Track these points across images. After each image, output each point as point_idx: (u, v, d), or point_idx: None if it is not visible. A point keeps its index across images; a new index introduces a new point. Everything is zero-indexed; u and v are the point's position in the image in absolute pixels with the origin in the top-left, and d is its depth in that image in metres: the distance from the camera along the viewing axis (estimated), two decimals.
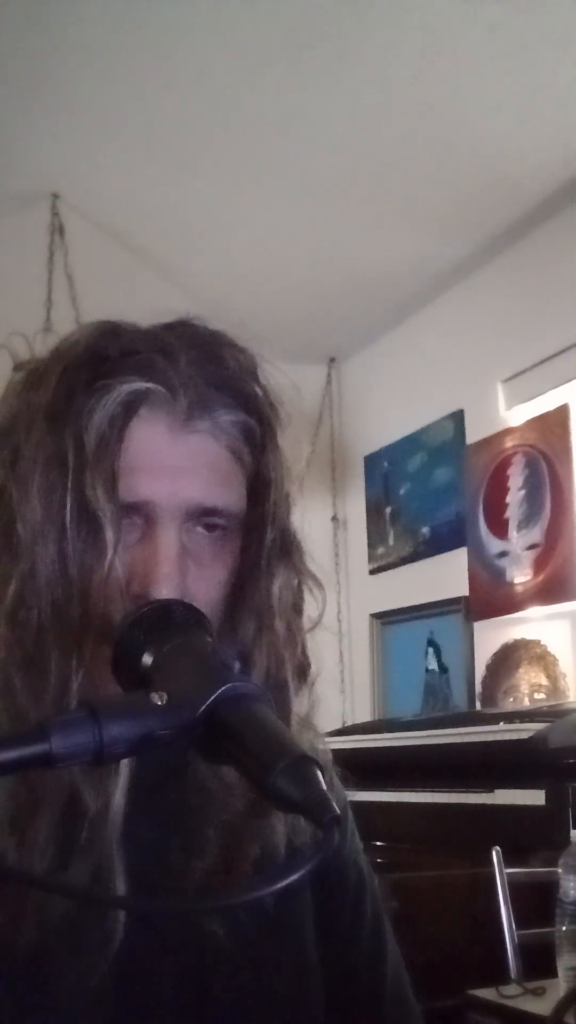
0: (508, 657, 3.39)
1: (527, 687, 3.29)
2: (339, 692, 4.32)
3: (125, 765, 0.79)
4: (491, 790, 2.42)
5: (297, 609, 0.86)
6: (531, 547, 3.30)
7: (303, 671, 0.85)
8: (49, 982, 0.76)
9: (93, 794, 0.77)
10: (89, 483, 0.76)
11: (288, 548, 0.85)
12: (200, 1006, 0.81)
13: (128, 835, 0.78)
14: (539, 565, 3.26)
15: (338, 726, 3.89)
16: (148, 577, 0.77)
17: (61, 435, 0.78)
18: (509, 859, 1.89)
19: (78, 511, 0.76)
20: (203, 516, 0.80)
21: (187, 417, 0.80)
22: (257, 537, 0.83)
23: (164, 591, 0.77)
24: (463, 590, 3.63)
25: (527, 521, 3.33)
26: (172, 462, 0.79)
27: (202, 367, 0.81)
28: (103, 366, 0.79)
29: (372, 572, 4.26)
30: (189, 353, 0.81)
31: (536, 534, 3.28)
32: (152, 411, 0.79)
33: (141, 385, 0.79)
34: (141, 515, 0.79)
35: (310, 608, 0.87)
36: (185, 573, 0.79)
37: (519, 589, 3.34)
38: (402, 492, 4.11)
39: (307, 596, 0.87)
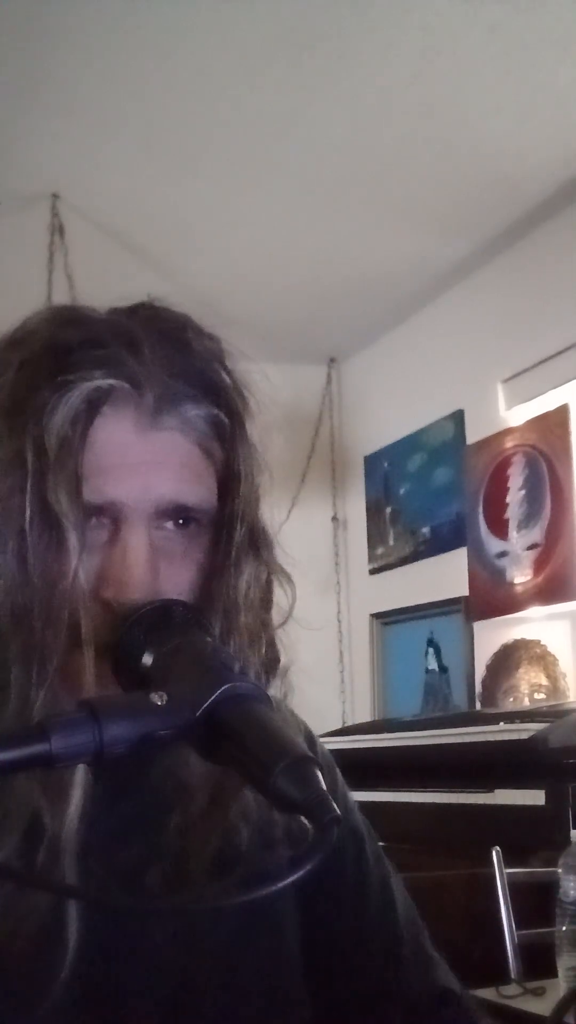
0: (508, 657, 3.39)
1: (527, 687, 3.29)
2: (339, 692, 4.32)
3: (79, 785, 0.76)
4: (491, 790, 2.42)
5: (266, 604, 0.84)
6: (531, 547, 3.30)
7: (272, 665, 0.84)
8: (11, 990, 0.76)
9: (50, 814, 0.75)
10: (51, 486, 0.73)
11: (256, 543, 0.83)
12: (175, 1000, 0.81)
13: (85, 851, 0.77)
14: (539, 565, 3.26)
15: (338, 726, 3.89)
16: (120, 581, 0.75)
17: (20, 434, 0.74)
18: (509, 859, 1.89)
19: (40, 516, 0.74)
20: (174, 513, 0.78)
21: (154, 413, 0.77)
22: (227, 532, 0.80)
23: (137, 595, 0.75)
24: (463, 590, 3.63)
25: (527, 521, 3.33)
26: (140, 459, 0.76)
27: (169, 358, 0.78)
28: (64, 359, 0.76)
29: (372, 572, 4.26)
30: (154, 342, 0.78)
31: (536, 534, 3.28)
32: (117, 408, 0.76)
33: (105, 382, 0.75)
34: (108, 516, 0.76)
35: (283, 602, 0.86)
36: (156, 573, 0.77)
37: (519, 589, 3.34)
38: (402, 492, 4.11)
39: (278, 590, 0.85)
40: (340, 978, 0.90)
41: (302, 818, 0.61)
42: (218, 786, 0.80)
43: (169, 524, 0.79)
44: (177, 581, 0.78)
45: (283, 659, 0.85)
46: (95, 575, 0.76)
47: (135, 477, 0.76)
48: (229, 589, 0.80)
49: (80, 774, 0.77)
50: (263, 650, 0.83)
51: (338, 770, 0.98)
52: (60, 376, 0.75)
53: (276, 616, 0.85)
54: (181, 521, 0.79)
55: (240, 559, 0.81)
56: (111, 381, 0.76)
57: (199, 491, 0.79)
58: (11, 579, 0.74)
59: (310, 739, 0.94)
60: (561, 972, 1.66)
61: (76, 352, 0.76)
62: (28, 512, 0.74)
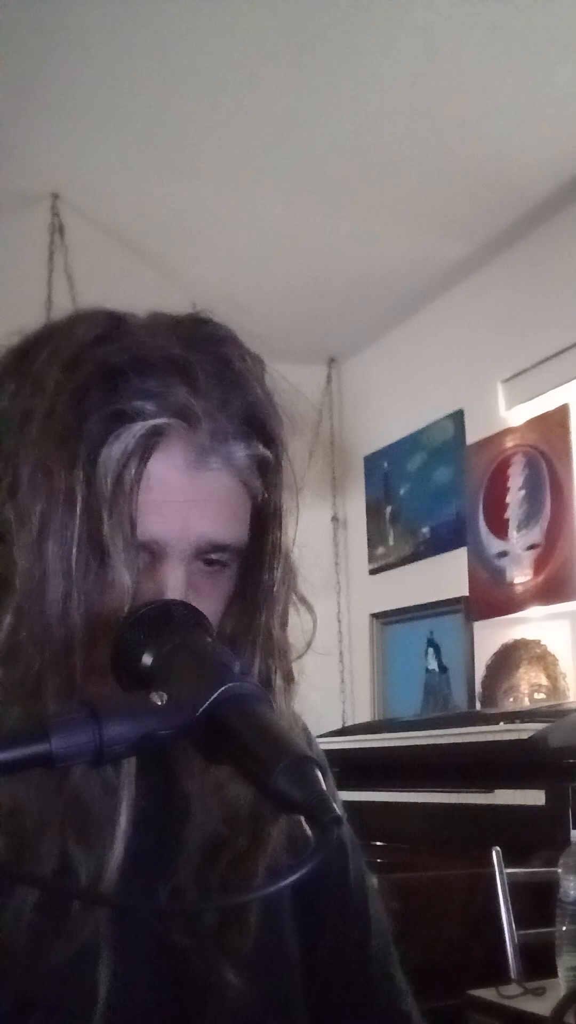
0: (508, 657, 3.39)
1: (527, 687, 3.29)
2: (339, 692, 4.32)
3: (119, 840, 0.76)
4: (491, 790, 2.42)
5: (284, 630, 0.84)
6: (531, 547, 3.30)
7: (290, 687, 0.84)
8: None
9: (87, 865, 0.75)
10: (106, 527, 0.72)
11: (289, 575, 0.84)
12: (186, 1001, 0.81)
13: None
14: (539, 565, 3.26)
15: (338, 726, 3.89)
16: None
17: (72, 464, 0.73)
18: (509, 859, 1.88)
19: (88, 552, 0.73)
20: (210, 551, 0.78)
21: (205, 452, 0.76)
22: (266, 567, 0.81)
23: None
24: (463, 590, 3.63)
25: (527, 521, 3.33)
26: (185, 497, 0.76)
27: (218, 387, 0.78)
28: (115, 386, 0.74)
29: (372, 572, 4.26)
30: (206, 372, 0.77)
31: (536, 534, 3.28)
32: (169, 444, 0.75)
33: (160, 421, 0.74)
34: (149, 550, 0.76)
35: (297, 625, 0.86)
36: None
37: (519, 589, 3.34)
38: (402, 492, 4.11)
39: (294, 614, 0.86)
40: (320, 992, 0.90)
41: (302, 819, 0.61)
42: (254, 808, 0.80)
43: (202, 560, 0.79)
44: (206, 613, 0.78)
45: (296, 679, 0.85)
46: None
47: (178, 516, 0.76)
48: (267, 622, 0.81)
49: (122, 828, 0.76)
50: (287, 677, 0.84)
51: (330, 774, 0.98)
52: (112, 406, 0.74)
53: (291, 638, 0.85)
54: (213, 561, 0.79)
55: (278, 592, 0.82)
56: (166, 420, 0.74)
57: (236, 529, 0.80)
58: (55, 613, 0.73)
59: (307, 739, 0.94)
60: (561, 972, 1.66)
61: (127, 378, 0.74)
62: (76, 548, 0.73)
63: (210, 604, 0.79)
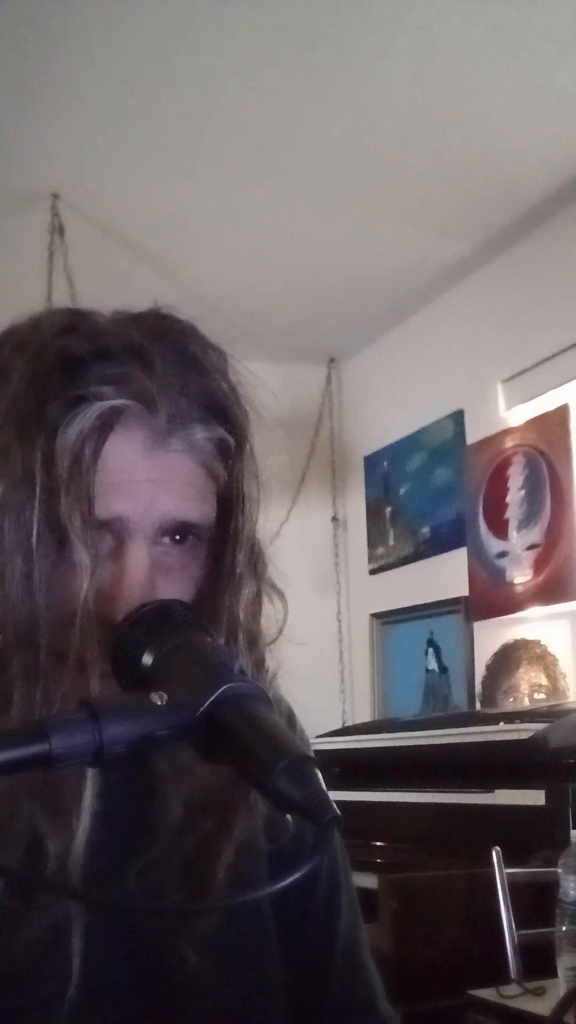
0: (508, 657, 3.39)
1: (527, 687, 3.29)
2: (339, 692, 4.32)
3: (87, 812, 0.77)
4: (491, 790, 2.42)
5: (256, 618, 0.84)
6: (531, 547, 3.30)
7: (263, 675, 0.85)
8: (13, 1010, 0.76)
9: (54, 840, 0.76)
10: (63, 506, 0.73)
11: (255, 561, 0.84)
12: (171, 997, 0.81)
13: (89, 877, 0.77)
14: (539, 565, 3.26)
15: (338, 726, 3.89)
16: (117, 597, 0.76)
17: (31, 449, 0.74)
18: (509, 859, 1.89)
19: (49, 533, 0.74)
20: (175, 530, 0.79)
21: (164, 434, 0.78)
22: (229, 550, 0.81)
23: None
24: (463, 590, 3.63)
25: (527, 521, 3.33)
26: (146, 477, 0.77)
27: (179, 375, 0.79)
28: (75, 372, 0.76)
29: (372, 572, 4.26)
30: (165, 357, 0.78)
31: (536, 534, 3.28)
32: (128, 426, 0.76)
33: (118, 402, 0.75)
34: (111, 531, 0.77)
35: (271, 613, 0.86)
36: (154, 589, 0.77)
37: (519, 589, 3.34)
38: (402, 492, 4.11)
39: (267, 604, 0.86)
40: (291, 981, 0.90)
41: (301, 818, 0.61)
42: (221, 787, 0.80)
43: (167, 539, 0.79)
44: (173, 595, 0.78)
45: (272, 668, 0.86)
46: (96, 589, 0.76)
47: (140, 495, 0.77)
48: (231, 606, 0.82)
49: (87, 800, 0.77)
50: (261, 663, 0.84)
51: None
52: (72, 391, 0.75)
53: (266, 627, 0.85)
54: (178, 536, 0.80)
55: (242, 577, 0.82)
56: (124, 401, 0.76)
57: (201, 508, 0.80)
58: (16, 595, 0.74)
59: (291, 720, 0.94)
60: (561, 972, 1.66)
61: (88, 365, 0.76)
62: (36, 528, 0.74)
63: (179, 586, 0.80)
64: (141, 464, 0.77)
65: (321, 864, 0.91)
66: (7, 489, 0.75)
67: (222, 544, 0.82)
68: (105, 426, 0.75)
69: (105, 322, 0.81)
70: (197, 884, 0.80)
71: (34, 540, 0.74)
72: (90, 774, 0.78)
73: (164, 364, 0.78)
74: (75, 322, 0.79)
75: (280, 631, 0.86)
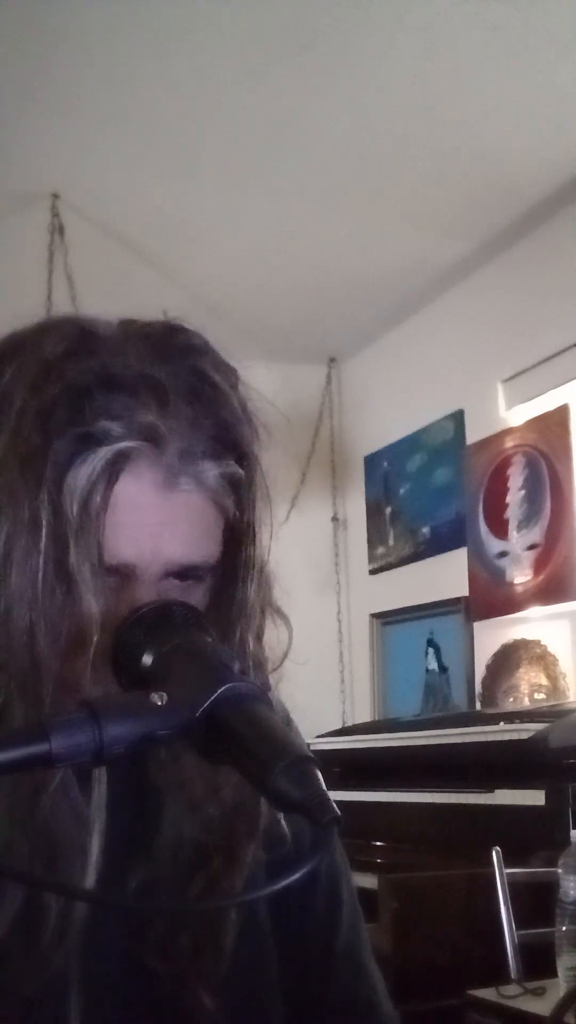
0: (508, 657, 3.39)
1: (527, 687, 3.29)
2: (339, 692, 4.32)
3: (91, 875, 0.76)
4: (491, 790, 2.42)
5: (260, 641, 0.83)
6: (531, 547, 3.30)
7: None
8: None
9: (56, 897, 0.75)
10: (73, 555, 0.71)
11: (262, 590, 0.82)
12: (169, 996, 0.81)
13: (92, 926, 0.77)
14: (539, 565, 3.26)
15: (338, 726, 3.89)
16: None
17: (36, 489, 0.71)
18: (509, 859, 1.89)
19: (55, 580, 0.72)
20: (181, 573, 0.77)
21: (174, 472, 0.75)
22: (240, 580, 0.80)
23: None
24: (463, 590, 3.63)
25: (527, 521, 3.33)
26: (155, 519, 0.75)
27: (190, 404, 0.76)
28: (82, 406, 0.72)
29: (372, 572, 4.26)
30: (175, 386, 0.75)
31: (536, 534, 3.28)
32: (137, 466, 0.73)
33: (127, 445, 0.72)
34: (118, 573, 0.75)
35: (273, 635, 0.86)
36: None
37: (519, 589, 3.34)
38: (402, 492, 4.11)
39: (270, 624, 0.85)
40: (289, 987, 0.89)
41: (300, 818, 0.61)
42: (217, 790, 0.80)
43: (175, 576, 0.78)
44: None
45: (272, 685, 0.85)
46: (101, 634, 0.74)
47: (148, 539, 0.75)
48: (242, 634, 0.81)
49: (94, 857, 0.76)
50: (264, 687, 0.84)
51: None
52: (78, 428, 0.72)
53: (269, 650, 0.85)
54: (184, 578, 0.78)
55: (253, 606, 0.81)
56: (133, 443, 0.73)
57: (208, 547, 0.78)
58: (19, 644, 0.72)
59: (287, 723, 0.93)
60: (561, 972, 1.66)
61: (94, 397, 0.73)
62: (42, 575, 0.72)
63: None
64: (149, 507, 0.74)
65: (320, 864, 0.91)
66: (12, 532, 0.72)
67: (232, 573, 0.80)
68: (115, 470, 0.72)
69: (112, 340, 0.77)
70: (208, 926, 0.79)
71: (39, 588, 0.72)
72: (96, 831, 0.77)
73: (175, 394, 0.75)
74: (80, 343, 0.76)
75: (285, 656, 0.85)
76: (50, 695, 0.72)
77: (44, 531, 0.71)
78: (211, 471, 0.77)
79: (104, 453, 0.72)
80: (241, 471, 0.79)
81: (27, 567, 0.72)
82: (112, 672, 0.73)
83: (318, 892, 0.91)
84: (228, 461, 0.78)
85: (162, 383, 0.75)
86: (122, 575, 0.75)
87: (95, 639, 0.72)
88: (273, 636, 0.85)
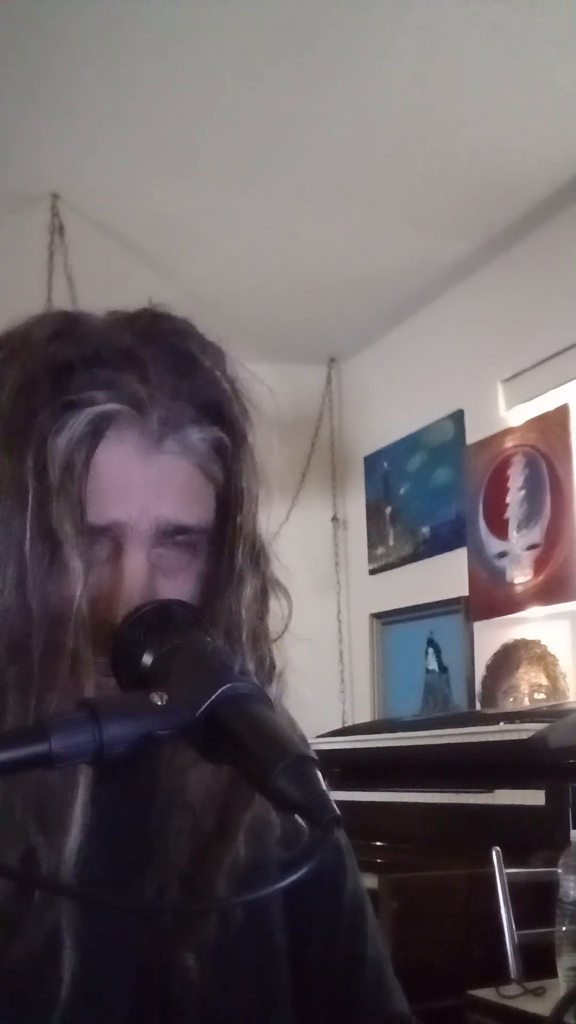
0: (508, 657, 3.39)
1: (527, 687, 3.29)
2: (339, 692, 4.32)
3: (77, 824, 0.76)
4: (491, 790, 2.42)
5: (262, 616, 0.84)
6: (531, 547, 3.30)
7: (270, 674, 0.84)
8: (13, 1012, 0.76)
9: (45, 852, 0.75)
10: (55, 513, 0.73)
11: (257, 558, 0.83)
12: (168, 997, 0.81)
13: (83, 862, 0.77)
14: (539, 565, 3.26)
15: (338, 726, 3.89)
16: (115, 602, 0.75)
17: (21, 457, 0.73)
18: (509, 859, 1.89)
19: (41, 540, 0.73)
20: (173, 533, 0.78)
21: (157, 437, 0.77)
22: (228, 549, 0.81)
23: None
24: (463, 590, 3.63)
25: (527, 521, 3.33)
26: (142, 481, 0.76)
27: (172, 377, 0.78)
28: (65, 378, 0.75)
29: (372, 572, 4.26)
30: (158, 359, 0.77)
31: (536, 534, 3.28)
32: (120, 432, 0.76)
33: (109, 407, 0.74)
34: (109, 536, 0.76)
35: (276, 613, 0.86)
36: (154, 591, 0.77)
37: (519, 589, 3.34)
38: (402, 492, 4.11)
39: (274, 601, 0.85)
40: (307, 991, 0.89)
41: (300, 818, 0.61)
42: (219, 792, 0.80)
43: (166, 542, 0.79)
44: (177, 595, 0.78)
45: (279, 665, 0.85)
46: (94, 595, 0.75)
47: (136, 500, 0.76)
48: (232, 604, 0.81)
49: (78, 812, 0.76)
50: (264, 661, 0.84)
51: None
52: (62, 397, 0.74)
53: (271, 624, 0.85)
54: (180, 541, 0.79)
55: (243, 575, 0.82)
56: (115, 406, 0.75)
57: (199, 511, 0.80)
58: (9, 603, 0.74)
59: (290, 723, 0.94)
60: (561, 972, 1.66)
61: (78, 371, 0.75)
62: (28, 536, 0.73)
63: (182, 586, 0.80)
64: (135, 469, 0.76)
65: (321, 865, 0.91)
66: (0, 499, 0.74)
67: (223, 542, 0.81)
68: (96, 432, 0.74)
69: (97, 325, 0.80)
70: (196, 893, 0.80)
71: (26, 548, 0.73)
72: (82, 785, 0.77)
73: (156, 366, 0.77)
74: (66, 326, 0.78)
75: (285, 627, 0.85)
76: (38, 657, 0.73)
77: (29, 494, 0.73)
78: (195, 436, 0.79)
79: (85, 416, 0.74)
80: (226, 437, 0.80)
81: (12, 528, 0.73)
82: (112, 672, 0.73)
83: (321, 893, 0.91)
84: (212, 427, 0.79)
85: (143, 356, 0.77)
86: (114, 538, 0.76)
87: (77, 595, 0.73)
88: (275, 615, 0.85)
